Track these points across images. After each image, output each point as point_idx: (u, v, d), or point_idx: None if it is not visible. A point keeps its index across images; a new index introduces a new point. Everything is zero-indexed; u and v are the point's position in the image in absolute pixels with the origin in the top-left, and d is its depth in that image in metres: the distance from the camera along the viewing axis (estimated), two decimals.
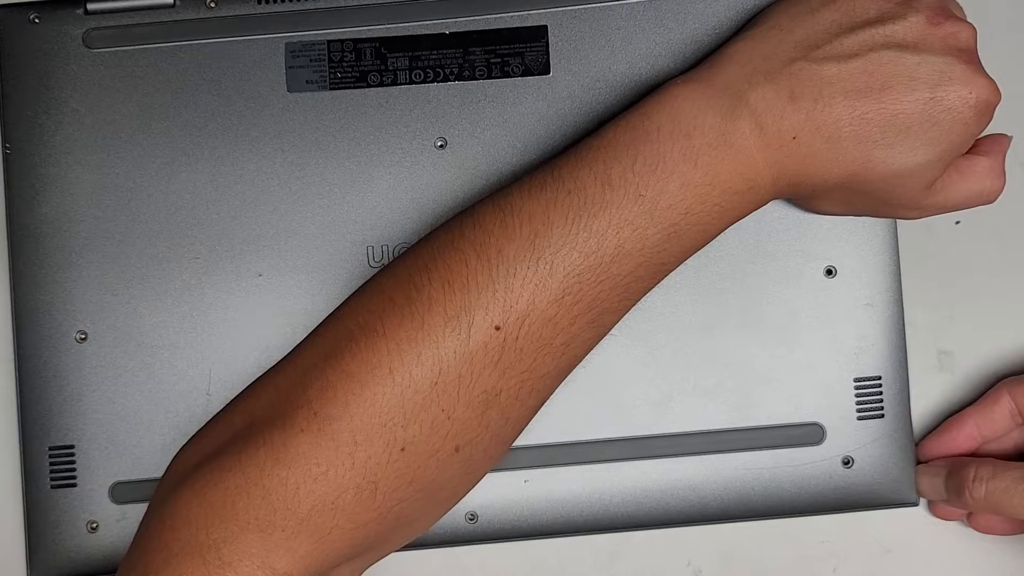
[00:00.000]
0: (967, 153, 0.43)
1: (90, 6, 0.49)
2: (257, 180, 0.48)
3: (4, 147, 0.48)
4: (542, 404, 0.43)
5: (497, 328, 0.39)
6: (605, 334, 0.43)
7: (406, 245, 0.48)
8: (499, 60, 0.48)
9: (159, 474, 0.47)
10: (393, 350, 0.39)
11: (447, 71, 0.48)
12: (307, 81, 0.48)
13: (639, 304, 0.46)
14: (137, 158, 0.48)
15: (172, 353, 0.48)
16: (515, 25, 0.49)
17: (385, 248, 0.48)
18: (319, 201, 0.48)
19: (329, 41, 0.49)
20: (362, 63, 0.49)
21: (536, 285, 0.39)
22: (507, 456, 0.44)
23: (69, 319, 0.48)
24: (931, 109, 0.40)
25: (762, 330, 0.48)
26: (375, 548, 0.42)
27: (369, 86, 0.48)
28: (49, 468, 0.47)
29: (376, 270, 0.48)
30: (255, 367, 0.47)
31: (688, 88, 0.41)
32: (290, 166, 0.48)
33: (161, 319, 0.48)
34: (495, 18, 0.49)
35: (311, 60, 0.49)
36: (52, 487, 0.47)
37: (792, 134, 0.40)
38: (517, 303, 0.39)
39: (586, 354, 0.42)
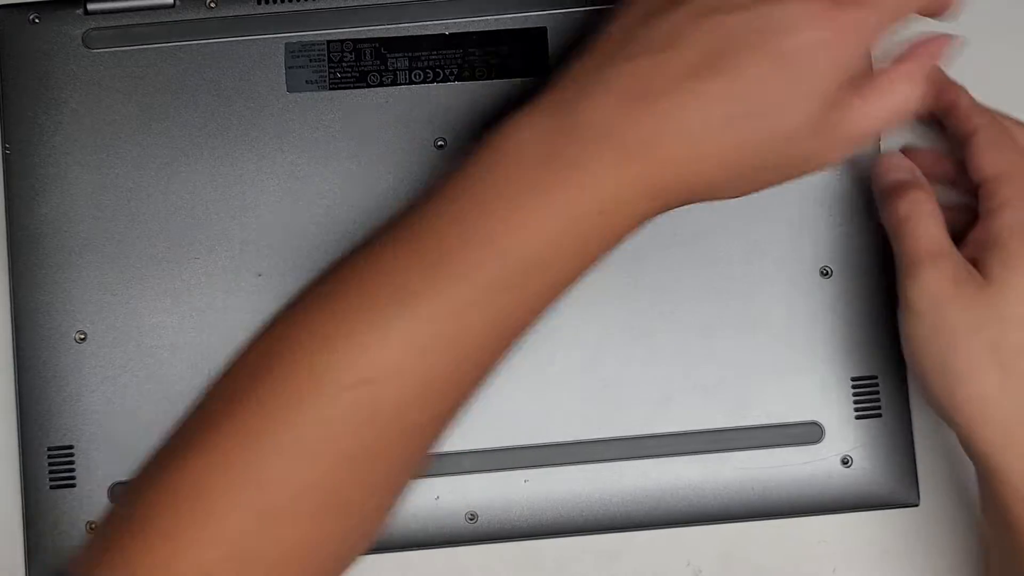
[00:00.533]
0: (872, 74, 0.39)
1: (90, 6, 0.49)
2: (257, 180, 0.48)
3: (4, 147, 0.48)
4: (424, 451, 0.40)
5: (357, 384, 0.37)
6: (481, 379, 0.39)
7: None
8: (498, 61, 0.49)
9: None
10: (247, 419, 0.37)
11: (447, 71, 0.49)
12: (307, 81, 0.49)
13: (637, 304, 0.46)
14: (137, 158, 0.48)
15: (172, 353, 0.48)
16: (515, 27, 0.49)
17: None
18: (319, 201, 0.48)
19: (329, 41, 0.49)
20: (362, 63, 0.49)
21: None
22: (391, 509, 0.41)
23: (68, 319, 0.48)
24: (785, 62, 0.36)
25: (759, 330, 0.48)
26: None
27: (369, 86, 0.49)
28: (48, 468, 0.47)
29: None
30: None
31: (528, 119, 0.38)
32: (290, 166, 0.48)
33: (160, 319, 0.48)
34: (495, 19, 0.49)
35: (311, 60, 0.49)
36: (51, 487, 0.47)
37: (647, 139, 0.37)
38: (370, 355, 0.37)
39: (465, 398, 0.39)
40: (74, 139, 0.48)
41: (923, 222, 0.43)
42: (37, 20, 0.49)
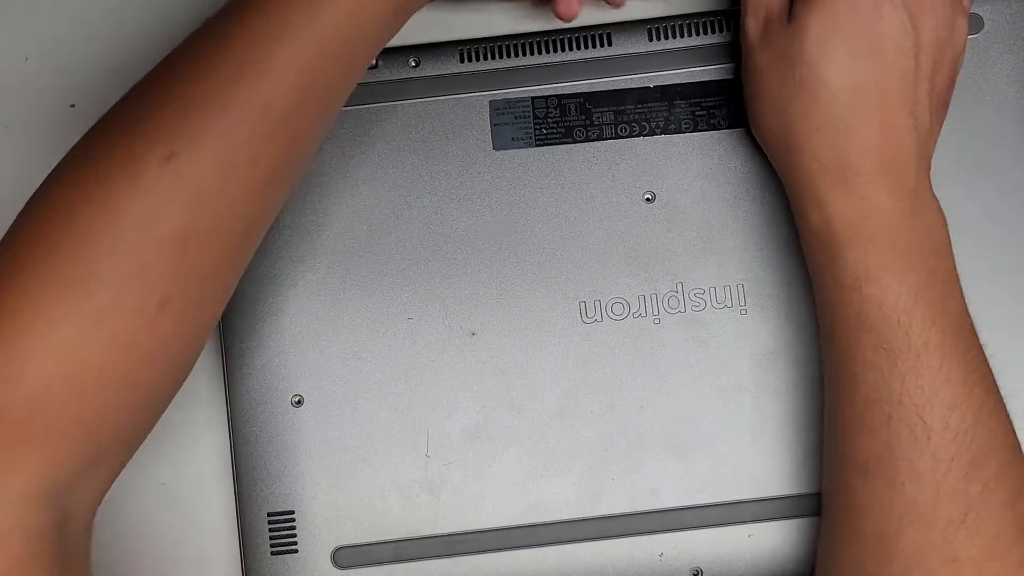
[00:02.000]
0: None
1: None
2: (467, 238, 0.48)
3: None
4: (252, 234, 0.40)
5: (170, 156, 0.36)
6: (306, 151, 0.40)
7: (619, 299, 0.48)
8: (704, 112, 0.48)
9: (382, 538, 0.47)
10: (68, 217, 0.36)
11: (652, 124, 0.48)
12: (512, 138, 0.48)
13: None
14: (346, 219, 0.48)
15: (388, 415, 0.47)
16: (719, 78, 0.49)
17: (598, 303, 0.48)
18: (529, 258, 0.48)
19: (533, 98, 0.49)
20: (567, 119, 0.49)
21: (203, 103, 0.37)
22: (224, 304, 0.41)
23: (284, 383, 0.47)
24: None
25: None
26: (115, 434, 0.38)
27: (575, 141, 0.48)
28: (269, 534, 0.47)
29: (590, 325, 0.48)
30: (472, 426, 0.47)
31: None
32: (499, 223, 0.48)
33: (375, 381, 0.47)
34: (699, 71, 0.49)
35: (516, 117, 0.49)
36: (272, 553, 0.47)
37: None
38: (183, 123, 0.37)
39: (293, 169, 0.40)
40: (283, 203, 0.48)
41: None
42: None
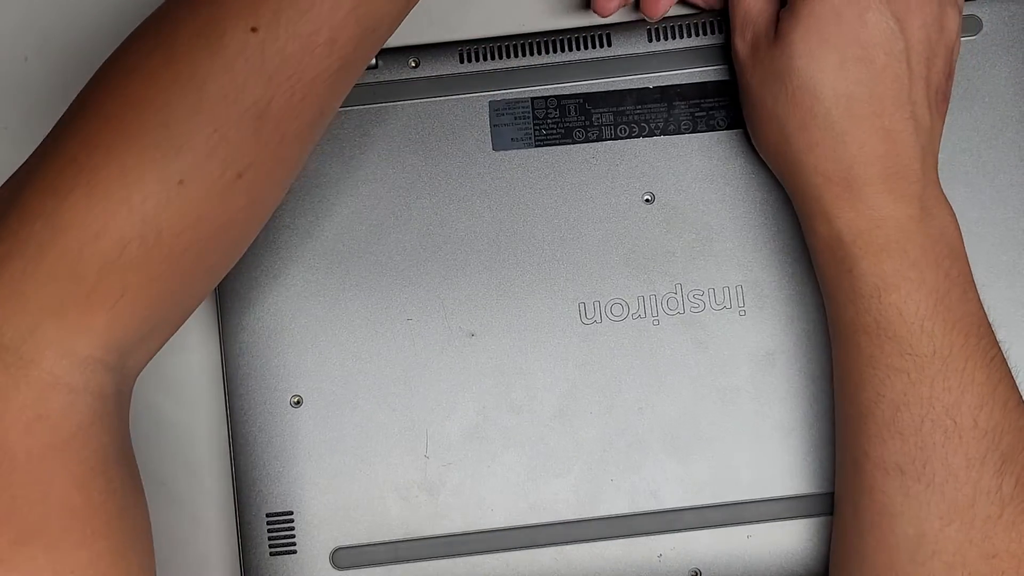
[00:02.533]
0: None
1: None
2: (466, 239, 0.48)
3: None
4: (322, 120, 0.40)
5: (254, 30, 0.36)
6: (378, 40, 0.40)
7: (618, 300, 0.48)
8: (704, 113, 0.48)
9: (381, 539, 0.47)
10: (149, 82, 0.36)
11: (652, 126, 0.48)
12: (512, 139, 0.49)
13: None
14: (345, 220, 0.48)
15: (388, 416, 0.47)
16: (719, 78, 0.49)
17: (597, 304, 0.48)
18: (528, 259, 0.48)
19: (533, 98, 0.49)
20: (566, 119, 0.49)
21: None
22: (288, 189, 0.41)
23: (284, 384, 0.47)
24: None
25: None
26: (175, 305, 0.39)
27: (574, 142, 0.48)
28: (268, 535, 0.47)
29: (589, 326, 0.48)
30: (471, 427, 0.47)
31: None
32: (498, 224, 0.48)
33: (375, 381, 0.47)
34: (699, 72, 0.49)
35: (515, 118, 0.49)
36: (271, 554, 0.47)
37: None
38: None
39: (361, 60, 0.40)
40: (282, 202, 0.48)
41: None
42: None
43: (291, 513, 0.47)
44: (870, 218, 0.42)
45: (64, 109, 0.38)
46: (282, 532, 0.47)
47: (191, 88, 0.36)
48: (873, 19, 0.42)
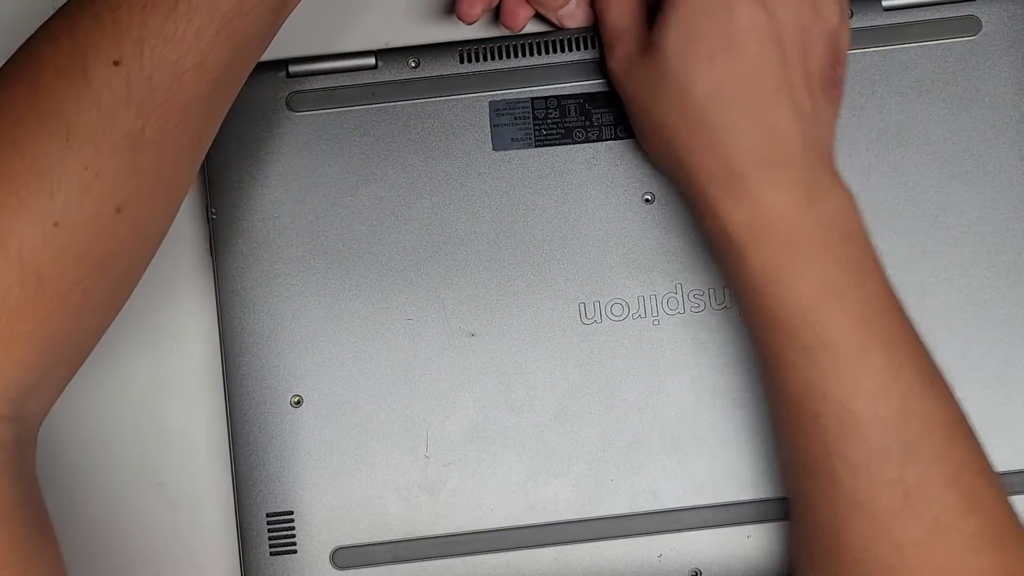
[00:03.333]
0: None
1: (292, 68, 0.49)
2: (466, 239, 0.48)
3: (211, 212, 0.48)
4: (200, 142, 0.40)
5: (116, 63, 0.36)
6: (250, 57, 0.40)
7: (618, 300, 0.48)
8: None
9: (381, 539, 0.47)
10: (15, 125, 0.36)
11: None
12: (512, 139, 0.48)
13: None
14: (345, 220, 0.48)
15: (388, 416, 0.47)
16: None
17: (597, 304, 0.48)
18: (528, 259, 0.48)
19: (533, 99, 0.49)
20: (567, 120, 0.49)
21: (144, 5, 0.37)
22: (174, 215, 0.41)
23: (284, 384, 0.47)
24: None
25: (979, 379, 0.47)
26: (70, 345, 0.39)
27: (575, 142, 0.48)
28: (268, 535, 0.47)
29: (589, 326, 0.48)
30: (471, 428, 0.47)
31: None
32: (498, 224, 0.48)
33: (375, 381, 0.47)
34: None
35: (515, 118, 0.49)
36: (271, 554, 0.47)
37: None
38: (128, 30, 0.36)
39: (235, 79, 0.40)
40: (281, 203, 0.48)
41: (612, 5, 0.46)
42: None
43: (291, 513, 0.47)
44: (753, 210, 0.41)
45: None
46: (282, 532, 0.47)
47: (59, 127, 0.36)
48: (741, 10, 0.41)
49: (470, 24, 0.47)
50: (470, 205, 0.48)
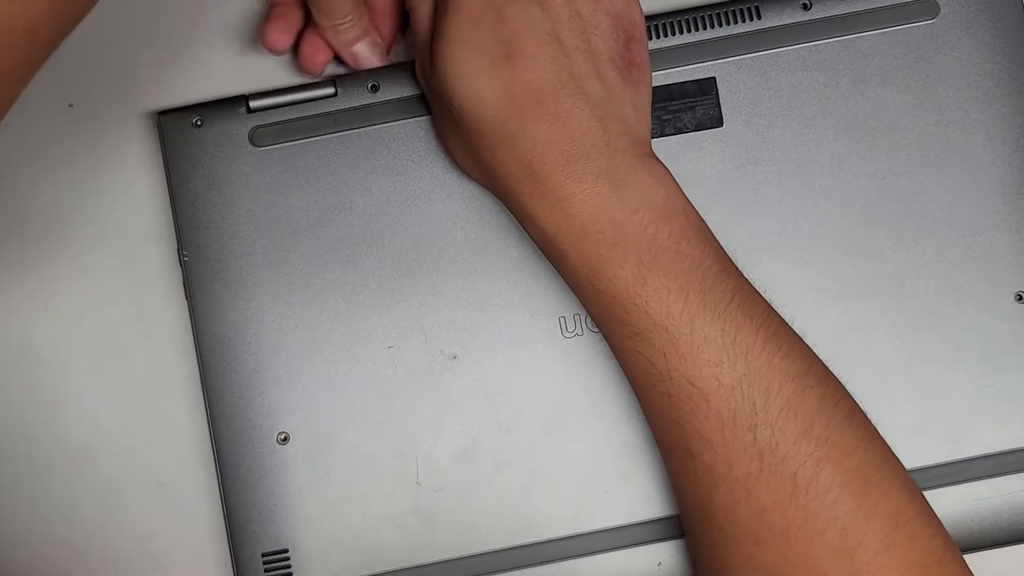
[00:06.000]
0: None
1: (252, 103, 0.48)
2: (441, 261, 0.48)
3: (182, 255, 0.48)
4: None
5: None
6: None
7: None
8: (670, 116, 0.48)
9: (378, 570, 0.47)
10: None
11: None
12: None
13: (844, 345, 0.45)
14: (318, 251, 0.48)
15: (376, 446, 0.47)
16: (682, 80, 0.48)
17: (577, 317, 0.47)
18: (505, 277, 0.48)
19: None
20: None
21: None
22: None
23: (269, 422, 0.47)
24: None
25: (962, 361, 0.47)
26: None
27: None
28: (264, 574, 0.47)
29: (570, 339, 0.47)
30: (460, 451, 0.47)
31: None
32: (472, 244, 0.48)
33: (360, 412, 0.47)
34: (661, 74, 0.48)
35: None
36: None
37: None
38: None
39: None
40: (252, 239, 0.48)
41: (415, 13, 0.45)
42: (200, 123, 0.48)
43: (287, 551, 0.47)
44: (563, 208, 0.41)
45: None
46: (279, 570, 0.47)
47: None
48: (511, 11, 0.41)
49: (280, 55, 0.48)
50: (441, 227, 0.48)
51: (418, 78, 0.47)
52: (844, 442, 0.39)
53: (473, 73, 0.41)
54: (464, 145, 0.44)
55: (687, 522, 0.43)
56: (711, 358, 0.40)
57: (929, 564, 0.39)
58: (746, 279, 0.42)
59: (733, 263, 0.42)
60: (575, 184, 0.41)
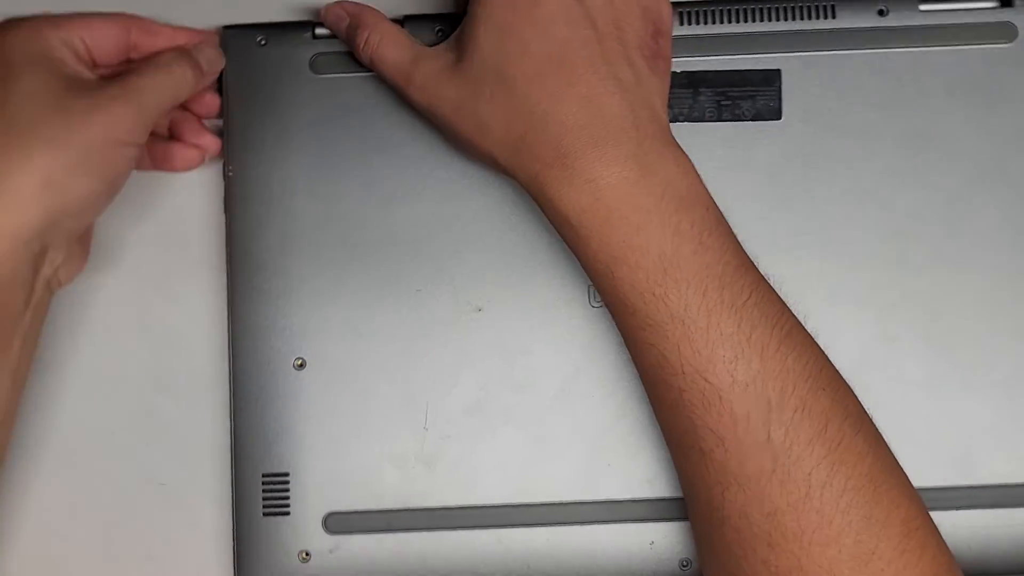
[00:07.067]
0: None
1: (318, 30, 0.48)
2: (480, 214, 0.48)
3: (227, 170, 0.48)
4: None
5: None
6: None
7: None
8: (729, 103, 0.48)
9: (374, 507, 0.47)
10: None
11: (676, 111, 0.48)
12: None
13: (868, 354, 0.45)
14: (361, 187, 0.48)
15: (390, 385, 0.47)
16: (748, 68, 0.48)
17: None
18: (541, 238, 0.48)
19: None
20: None
21: None
22: None
23: (288, 346, 0.47)
24: None
25: (985, 387, 0.47)
26: None
27: None
28: (262, 495, 0.47)
29: (598, 309, 0.47)
30: (472, 403, 0.47)
31: None
32: (514, 201, 0.48)
33: (379, 350, 0.47)
34: (727, 59, 0.48)
35: None
36: (264, 515, 0.47)
37: None
38: None
39: None
40: (298, 165, 0.48)
41: (384, 50, 0.46)
42: (264, 43, 0.48)
43: (287, 475, 0.47)
44: (589, 191, 0.41)
45: None
46: (277, 493, 0.47)
47: None
48: None
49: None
50: (485, 179, 0.48)
51: (413, 87, 0.45)
52: (856, 446, 0.39)
53: (507, 56, 0.42)
54: (488, 130, 0.43)
55: (699, 525, 0.42)
56: (726, 354, 0.39)
57: (940, 575, 0.38)
58: (762, 276, 0.41)
59: (750, 259, 0.42)
60: (603, 167, 0.41)
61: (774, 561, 0.38)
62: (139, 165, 0.48)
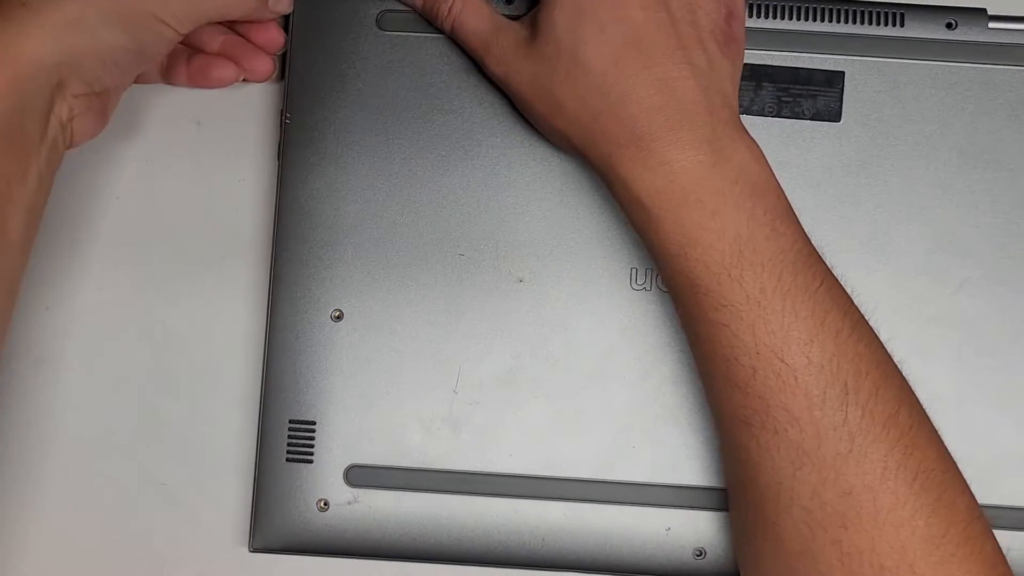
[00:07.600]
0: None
1: None
2: (531, 185, 0.48)
3: (285, 116, 0.48)
4: None
5: None
6: None
7: None
8: (790, 99, 0.48)
9: (396, 463, 0.47)
10: None
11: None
12: None
13: (902, 365, 0.45)
14: (415, 146, 0.48)
15: (424, 346, 0.47)
16: (813, 67, 0.48)
17: (649, 272, 0.48)
18: (589, 215, 0.48)
19: None
20: None
21: None
22: None
23: (327, 297, 0.48)
24: None
25: (1017, 409, 0.47)
26: None
27: None
28: (287, 441, 0.47)
29: (638, 292, 0.47)
30: (504, 372, 0.47)
31: None
32: (567, 175, 0.48)
33: (417, 309, 0.48)
34: (791, 56, 0.48)
35: None
36: (288, 460, 0.47)
37: None
38: None
39: None
40: (356, 118, 0.48)
41: (465, 18, 0.46)
42: None
43: (313, 423, 0.47)
44: (664, 173, 0.41)
45: None
46: (302, 441, 0.47)
47: None
48: None
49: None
50: (540, 150, 0.48)
51: (491, 59, 0.46)
52: (925, 432, 0.40)
53: (585, 37, 0.42)
54: (562, 109, 0.44)
55: (756, 509, 0.42)
56: (801, 336, 0.40)
57: (999, 564, 0.39)
58: (827, 265, 0.42)
59: (816, 250, 0.42)
60: (678, 151, 0.41)
61: (847, 540, 0.39)
62: (174, 78, 0.47)
